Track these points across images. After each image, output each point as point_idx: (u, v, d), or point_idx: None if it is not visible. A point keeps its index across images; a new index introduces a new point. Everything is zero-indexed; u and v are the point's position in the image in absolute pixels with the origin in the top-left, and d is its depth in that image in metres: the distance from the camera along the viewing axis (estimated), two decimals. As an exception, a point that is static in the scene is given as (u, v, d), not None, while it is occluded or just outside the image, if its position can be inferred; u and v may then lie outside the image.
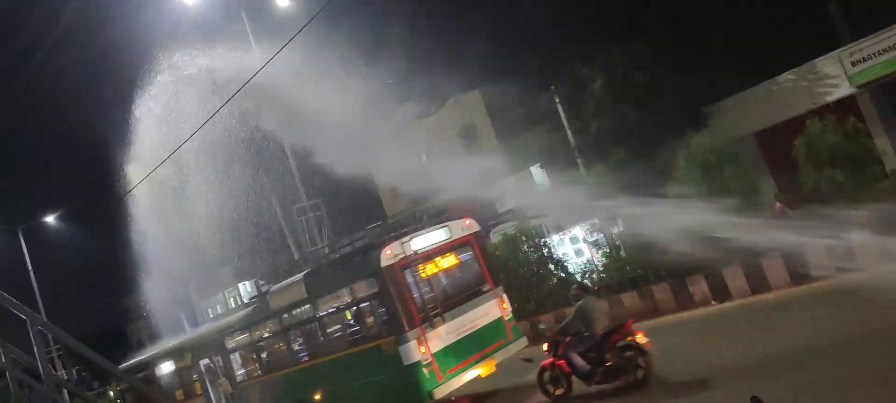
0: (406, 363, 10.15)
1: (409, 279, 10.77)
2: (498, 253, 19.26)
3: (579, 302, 10.53)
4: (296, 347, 12.69)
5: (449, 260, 11.58)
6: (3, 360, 5.48)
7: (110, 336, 50.06)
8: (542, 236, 20.62)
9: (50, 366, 5.33)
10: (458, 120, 29.58)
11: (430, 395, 10.17)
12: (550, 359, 10.40)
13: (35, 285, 34.85)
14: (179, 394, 15.94)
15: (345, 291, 11.47)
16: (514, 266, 18.76)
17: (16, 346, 5.86)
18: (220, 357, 14.44)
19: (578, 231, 22.28)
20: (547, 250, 19.24)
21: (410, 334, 10.21)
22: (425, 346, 10.21)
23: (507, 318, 11.81)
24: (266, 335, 13.18)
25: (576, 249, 21.91)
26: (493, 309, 11.65)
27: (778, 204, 15.99)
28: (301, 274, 12.36)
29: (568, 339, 10.33)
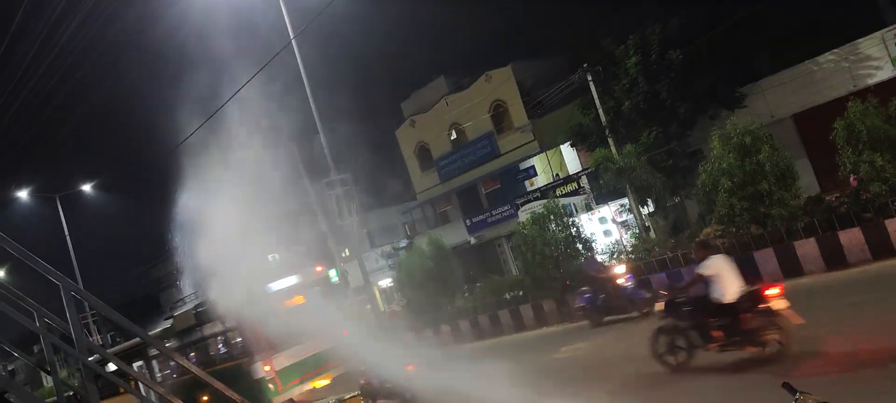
0: (255, 377, 13.25)
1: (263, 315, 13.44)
2: (525, 232, 19.19)
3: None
4: (192, 359, 15.46)
5: (300, 298, 14.39)
6: (38, 325, 5.59)
7: (143, 303, 51.17)
8: (571, 215, 20.49)
9: (82, 331, 5.42)
10: (489, 96, 29.41)
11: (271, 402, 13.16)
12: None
13: (72, 252, 35.69)
14: (121, 388, 17.65)
15: (219, 322, 14.27)
16: (540, 245, 18.67)
17: (54, 313, 6.01)
18: (144, 362, 16.67)
19: (607, 211, 22.13)
20: (575, 229, 19.09)
21: (258, 357, 13.34)
22: (270, 366, 13.22)
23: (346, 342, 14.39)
24: (175, 347, 15.76)
25: (604, 229, 21.79)
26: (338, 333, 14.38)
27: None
28: (192, 306, 15.28)
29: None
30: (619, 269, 16.04)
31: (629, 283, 15.56)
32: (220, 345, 14.88)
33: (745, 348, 8.91)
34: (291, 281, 14.42)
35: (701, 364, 9.29)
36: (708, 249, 9.68)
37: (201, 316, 14.72)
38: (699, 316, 9.27)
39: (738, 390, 8.38)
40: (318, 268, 15.50)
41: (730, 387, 8.57)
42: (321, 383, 13.99)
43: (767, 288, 8.89)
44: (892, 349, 7.91)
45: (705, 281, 9.23)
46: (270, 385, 13.25)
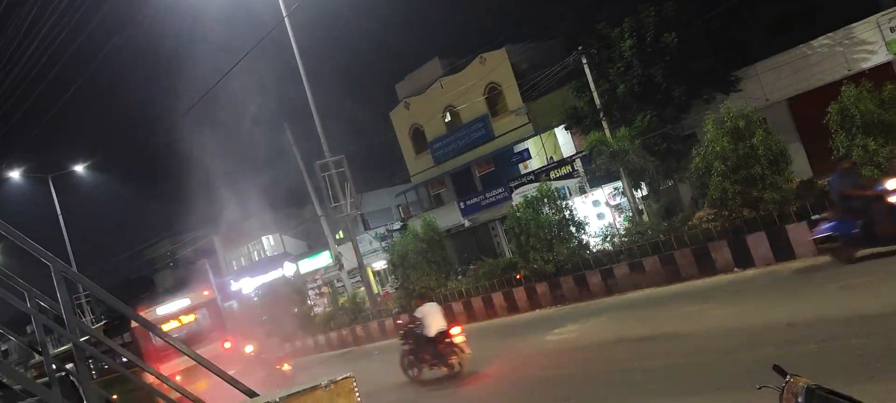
0: (149, 383, 13.90)
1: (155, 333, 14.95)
2: (518, 215, 19.20)
3: None
4: (106, 367, 16.76)
5: (189, 318, 17.04)
6: (29, 306, 5.57)
7: (137, 284, 51.17)
8: (565, 198, 20.50)
9: (74, 312, 5.42)
10: (484, 78, 29.32)
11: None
12: None
13: (65, 233, 35.61)
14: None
15: (119, 338, 16.01)
16: (534, 228, 18.69)
17: (46, 294, 6.00)
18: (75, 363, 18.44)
19: (601, 194, 22.17)
20: (568, 212, 19.11)
21: (150, 368, 13.84)
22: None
23: (228, 348, 17.10)
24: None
25: (597, 212, 21.83)
26: (217, 348, 16.64)
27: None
28: (102, 323, 16.90)
29: None
30: (892, 183, 11.64)
31: None
32: (122, 357, 16.61)
33: (442, 368, 12.99)
34: (182, 302, 17.25)
35: (428, 378, 13.45)
36: (422, 299, 14.40)
37: (109, 332, 16.63)
38: (418, 344, 13.36)
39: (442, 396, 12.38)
40: (206, 292, 18.45)
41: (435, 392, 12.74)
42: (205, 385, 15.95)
43: (452, 328, 12.98)
44: (511, 370, 12.51)
45: (419, 321, 13.29)
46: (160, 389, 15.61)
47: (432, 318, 13.17)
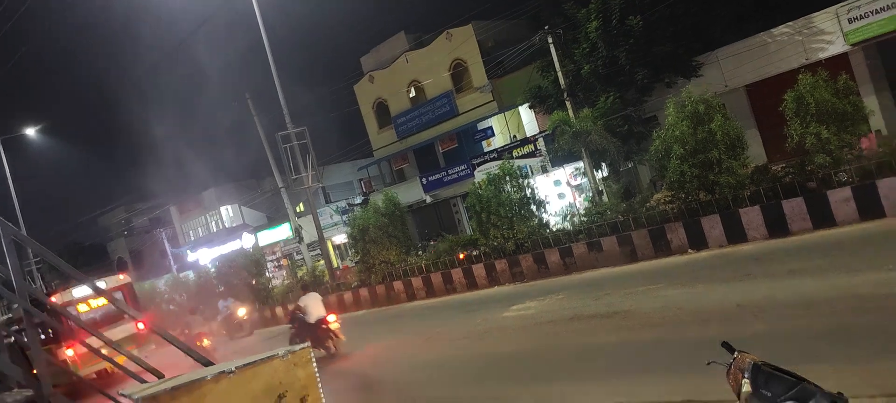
0: (61, 359, 16.55)
1: (71, 313, 16.78)
2: (480, 192, 19.27)
3: None
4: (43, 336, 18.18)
5: (103, 301, 18.10)
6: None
7: (90, 251, 50.09)
8: (527, 177, 20.62)
9: (23, 277, 5.29)
10: (450, 54, 29.20)
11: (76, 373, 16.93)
12: None
13: (14, 196, 34.57)
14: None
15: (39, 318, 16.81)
16: (495, 205, 18.79)
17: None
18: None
19: (562, 173, 22.38)
20: (530, 191, 19.25)
21: (65, 344, 16.78)
22: (74, 350, 16.64)
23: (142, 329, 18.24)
24: (15, 331, 17.99)
25: (558, 192, 22.04)
26: (131, 327, 18.37)
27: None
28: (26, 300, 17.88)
29: None
30: None
31: None
32: (41, 334, 17.14)
33: (320, 349, 14.44)
34: (98, 286, 17.65)
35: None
36: (306, 289, 16.35)
37: (34, 311, 17.92)
38: (301, 328, 14.99)
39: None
40: (121, 276, 19.98)
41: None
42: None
43: (329, 316, 14.84)
44: (378, 355, 14.13)
45: (302, 308, 15.02)
46: (72, 364, 16.62)
47: (313, 307, 14.97)
